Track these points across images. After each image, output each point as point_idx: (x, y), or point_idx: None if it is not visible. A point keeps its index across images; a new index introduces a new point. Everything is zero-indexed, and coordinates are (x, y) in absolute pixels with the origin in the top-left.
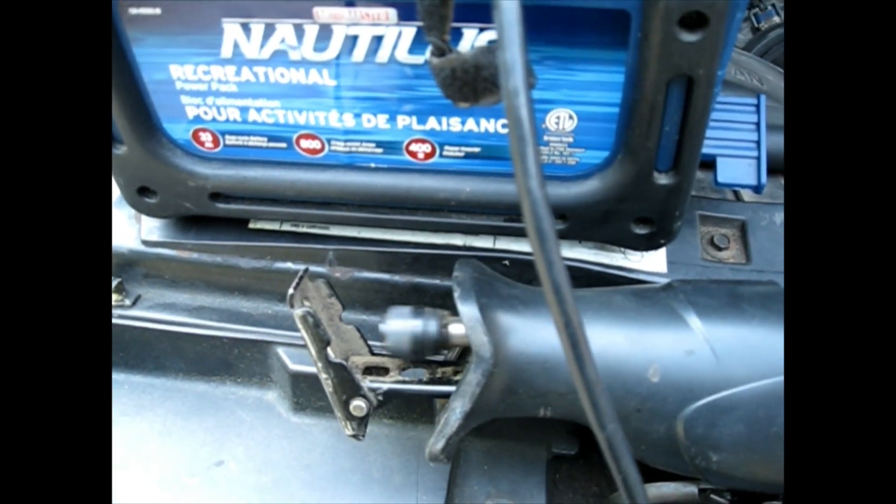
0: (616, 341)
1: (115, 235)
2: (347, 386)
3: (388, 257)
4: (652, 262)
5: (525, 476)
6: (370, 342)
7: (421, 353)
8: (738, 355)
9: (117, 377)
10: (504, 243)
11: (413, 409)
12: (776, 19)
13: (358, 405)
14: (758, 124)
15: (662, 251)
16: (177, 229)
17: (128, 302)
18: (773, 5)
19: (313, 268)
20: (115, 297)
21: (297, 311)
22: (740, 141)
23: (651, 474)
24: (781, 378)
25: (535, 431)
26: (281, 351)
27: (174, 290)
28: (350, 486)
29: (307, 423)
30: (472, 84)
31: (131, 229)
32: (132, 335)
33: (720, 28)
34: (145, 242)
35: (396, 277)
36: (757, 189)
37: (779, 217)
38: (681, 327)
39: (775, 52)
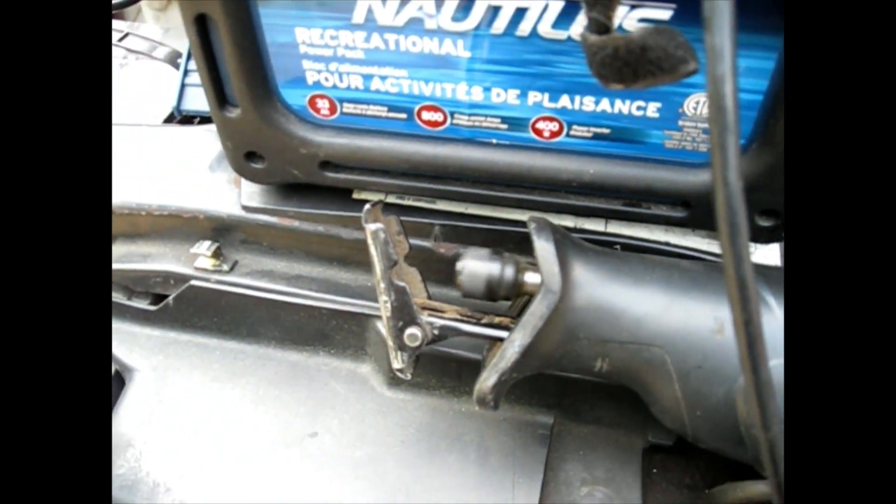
0: (683, 296)
1: (214, 199)
2: (405, 311)
3: (496, 235)
4: (765, 255)
5: (621, 465)
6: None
7: (493, 296)
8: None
9: (210, 342)
10: (615, 227)
11: (511, 392)
12: None
13: (413, 333)
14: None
15: (777, 244)
16: (278, 196)
17: (225, 267)
18: None
19: (417, 241)
20: (212, 261)
21: (371, 226)
22: None
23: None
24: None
25: (633, 420)
26: (380, 324)
27: (272, 257)
28: (446, 466)
29: (402, 398)
30: (635, 66)
31: (230, 193)
32: (228, 301)
33: None
34: (245, 208)
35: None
36: None
37: None
38: None
39: None
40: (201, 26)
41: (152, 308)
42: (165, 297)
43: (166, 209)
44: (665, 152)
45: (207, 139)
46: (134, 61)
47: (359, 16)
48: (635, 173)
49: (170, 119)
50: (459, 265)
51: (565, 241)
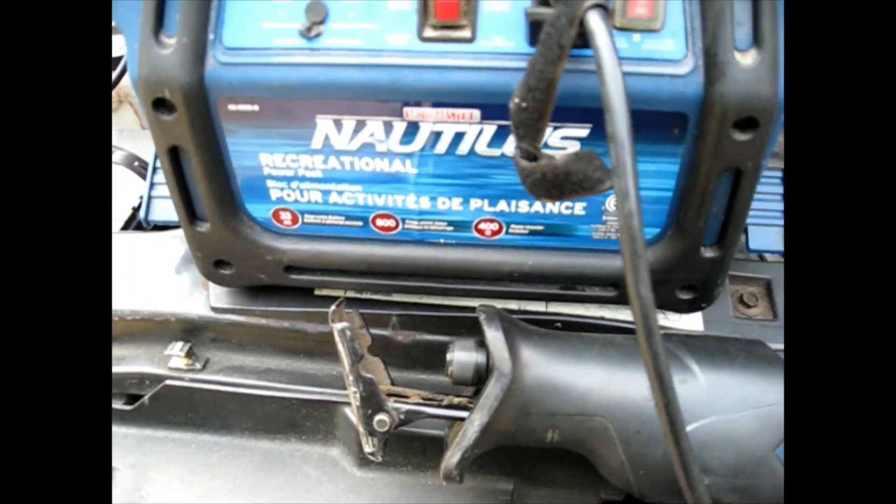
0: (619, 369)
1: (183, 302)
2: (374, 400)
3: (449, 321)
4: (689, 322)
5: None
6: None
7: (479, 381)
8: (724, 387)
9: (185, 437)
10: (555, 307)
11: (473, 463)
12: None
13: (381, 419)
14: (783, 195)
15: (699, 312)
16: (245, 296)
17: (198, 366)
18: None
19: (378, 331)
20: (185, 361)
21: (337, 325)
22: (768, 210)
23: None
24: (763, 409)
25: (585, 480)
26: (347, 410)
27: (242, 353)
28: None
29: (372, 477)
30: (560, 186)
31: (199, 295)
32: (202, 397)
33: (769, 128)
34: (214, 309)
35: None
36: (783, 254)
37: None
38: (676, 363)
39: None
40: (174, 156)
41: (128, 408)
42: (140, 396)
43: (139, 314)
44: (592, 242)
45: (169, 243)
46: None
47: (317, 142)
48: (568, 262)
49: (129, 223)
50: (449, 356)
51: (512, 328)
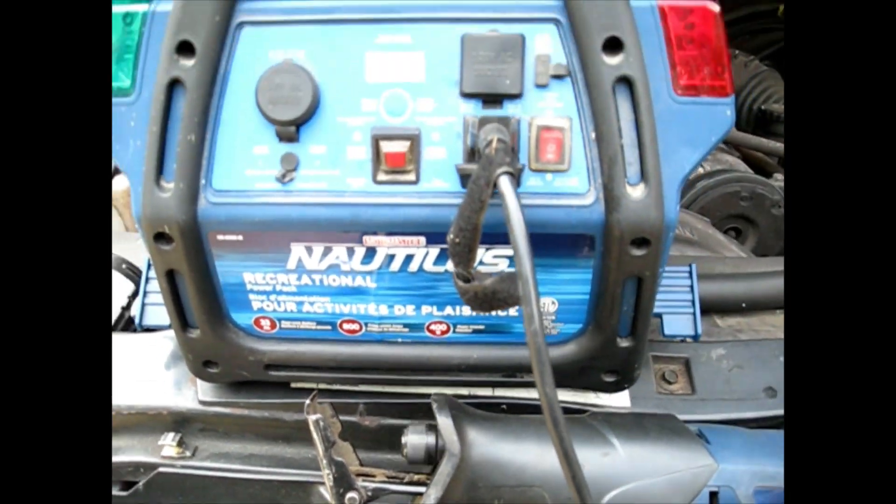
0: (552, 448)
1: (174, 396)
2: (345, 480)
3: (409, 407)
4: (618, 399)
5: None
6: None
7: (431, 461)
8: (640, 457)
9: None
10: (501, 391)
11: None
12: (700, 170)
13: (352, 497)
14: (692, 287)
15: (625, 391)
16: (229, 390)
17: (188, 453)
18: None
19: (346, 417)
20: (176, 449)
21: (311, 417)
22: (679, 301)
23: None
24: (674, 474)
25: None
26: (322, 489)
27: (228, 440)
28: None
29: None
30: (490, 302)
31: (188, 390)
32: (192, 482)
33: (659, 246)
34: (202, 402)
35: (415, 423)
36: (694, 338)
37: (715, 352)
38: (598, 438)
39: (702, 201)
40: (171, 277)
41: (124, 494)
42: (135, 483)
43: (134, 408)
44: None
45: (159, 343)
46: None
47: (291, 264)
48: (507, 354)
49: (118, 322)
50: (404, 440)
51: (460, 413)
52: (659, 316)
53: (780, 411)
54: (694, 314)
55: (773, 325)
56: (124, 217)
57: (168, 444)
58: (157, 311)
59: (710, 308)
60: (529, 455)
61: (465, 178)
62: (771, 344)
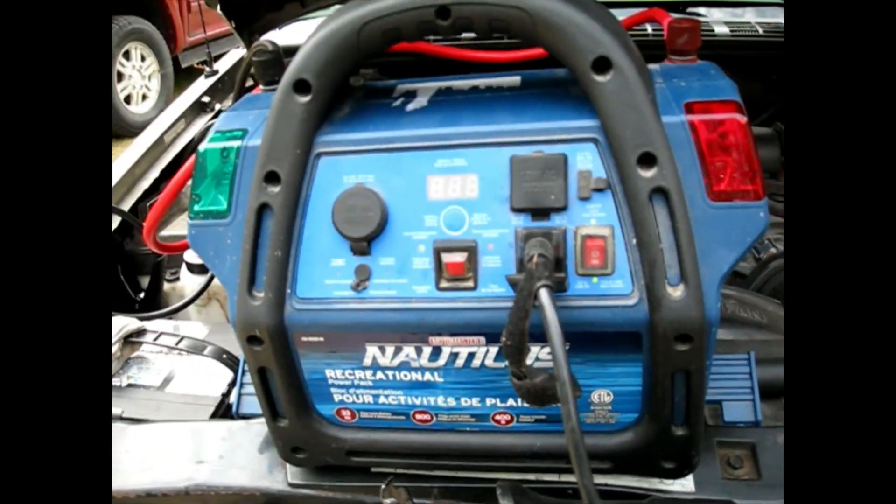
0: None
1: (266, 478)
2: None
3: (479, 490)
4: (682, 484)
5: None
6: None
7: None
8: None
9: None
10: (567, 477)
11: None
12: (773, 251)
13: None
14: (750, 374)
15: (690, 476)
16: (316, 474)
17: None
18: (769, 240)
19: (420, 500)
20: None
21: (386, 501)
22: (739, 388)
23: None
24: None
25: None
26: None
27: None
28: None
29: None
30: (540, 398)
31: (278, 473)
32: None
33: (702, 342)
34: (291, 485)
35: None
36: (755, 424)
37: (780, 438)
38: None
39: (774, 281)
40: (262, 373)
41: None
42: None
43: (230, 489)
44: (586, 426)
45: (253, 430)
46: (187, 356)
47: (367, 361)
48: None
49: (218, 409)
50: None
51: (524, 499)
52: (719, 403)
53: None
54: (754, 401)
55: None
56: (226, 309)
57: None
58: (253, 401)
59: (779, 392)
60: None
61: (514, 286)
62: None
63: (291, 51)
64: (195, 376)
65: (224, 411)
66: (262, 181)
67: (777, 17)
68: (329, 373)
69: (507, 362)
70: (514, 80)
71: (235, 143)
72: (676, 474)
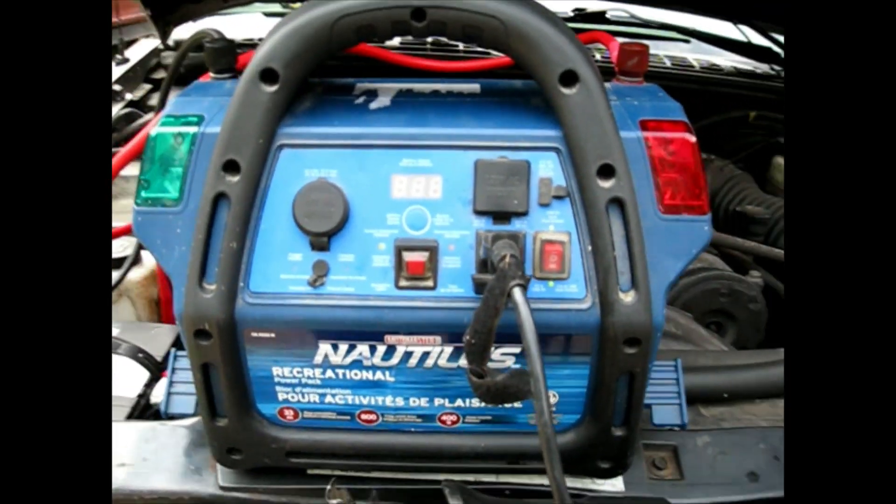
0: None
1: (194, 482)
2: None
3: (418, 492)
4: (612, 484)
5: None
6: None
7: None
8: None
9: None
10: (505, 478)
11: None
12: None
13: None
14: (677, 380)
15: (619, 477)
16: (248, 476)
17: None
18: None
19: (359, 502)
20: None
21: (332, 502)
22: (667, 392)
23: None
24: None
25: None
26: None
27: None
28: None
29: None
30: (501, 396)
31: (208, 476)
32: None
33: (649, 345)
34: (223, 487)
35: None
36: (682, 426)
37: (700, 440)
38: None
39: (684, 297)
40: (205, 370)
41: None
42: None
43: (156, 493)
44: (530, 427)
45: (175, 431)
46: None
47: (318, 359)
48: (512, 442)
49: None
50: None
51: (471, 499)
52: (648, 406)
53: (763, 494)
54: (680, 405)
55: (753, 413)
56: (137, 306)
57: None
58: (182, 400)
59: (695, 398)
60: None
61: (479, 286)
62: (752, 432)
63: (201, 45)
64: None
65: (140, 412)
66: (221, 170)
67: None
68: (276, 370)
69: (463, 362)
70: (473, 87)
71: (191, 129)
72: (611, 474)
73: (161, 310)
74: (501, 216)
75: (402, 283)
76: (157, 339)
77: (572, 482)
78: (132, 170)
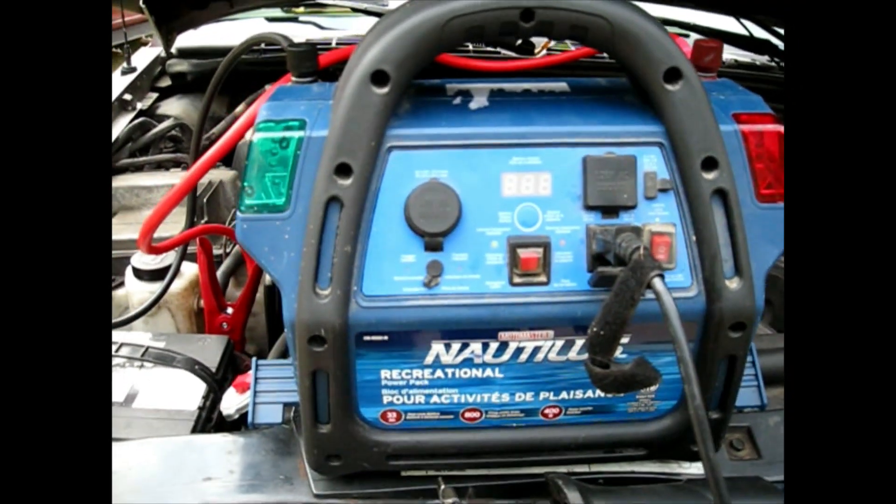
0: None
1: (287, 491)
2: None
3: (515, 487)
4: (697, 467)
5: None
6: None
7: None
8: None
9: None
10: (597, 467)
11: None
12: None
13: None
14: (754, 362)
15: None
16: (341, 483)
17: None
18: None
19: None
20: None
21: (448, 501)
22: (746, 375)
23: None
24: None
25: None
26: None
27: None
28: None
29: None
30: (628, 385)
31: (300, 485)
32: None
33: (752, 328)
34: (317, 496)
35: (522, 501)
36: (761, 407)
37: (771, 420)
38: (706, 501)
39: None
40: (313, 378)
41: None
42: None
43: None
44: (628, 415)
45: (259, 442)
46: (145, 369)
47: (429, 360)
48: (611, 432)
49: (197, 423)
50: None
51: (584, 489)
52: None
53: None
54: (759, 386)
55: None
56: (177, 318)
57: None
58: (269, 410)
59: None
60: None
61: (603, 279)
62: None
63: (206, 52)
64: (162, 390)
65: (203, 424)
66: (333, 173)
67: None
68: (384, 373)
69: (573, 354)
70: (561, 85)
71: (296, 134)
72: (696, 457)
73: (205, 321)
74: (611, 210)
75: (517, 279)
76: (208, 349)
77: (659, 467)
78: (153, 180)
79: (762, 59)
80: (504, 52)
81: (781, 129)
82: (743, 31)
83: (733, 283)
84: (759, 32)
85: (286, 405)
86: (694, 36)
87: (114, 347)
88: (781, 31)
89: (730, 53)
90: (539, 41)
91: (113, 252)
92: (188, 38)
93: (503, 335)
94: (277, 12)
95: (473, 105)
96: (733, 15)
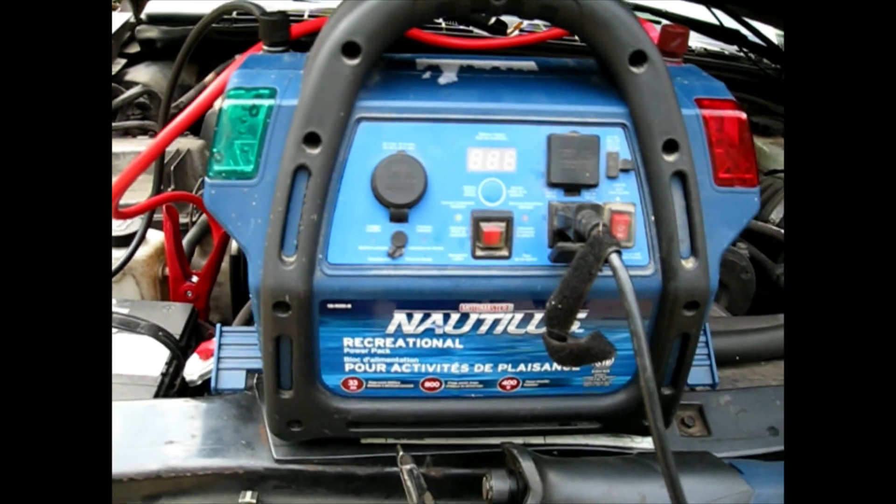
0: (616, 482)
1: (247, 456)
2: None
3: (472, 456)
4: (649, 441)
5: None
6: None
7: (514, 502)
8: (689, 487)
9: None
10: (552, 439)
11: None
12: None
13: None
14: (707, 342)
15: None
16: (303, 448)
17: None
18: None
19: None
20: None
21: (406, 467)
22: (699, 354)
23: None
24: (718, 500)
25: None
26: None
27: (301, 496)
28: None
29: None
30: (583, 358)
31: (261, 450)
32: None
33: (705, 308)
34: (278, 460)
35: (478, 471)
36: (712, 386)
37: (722, 399)
38: (654, 473)
39: None
40: (277, 344)
41: None
42: None
43: (209, 469)
44: (584, 389)
45: (219, 408)
46: (114, 333)
47: (391, 329)
48: (567, 405)
49: (160, 388)
50: (488, 484)
51: (538, 459)
52: None
53: (783, 447)
54: (711, 366)
55: (762, 374)
56: (141, 285)
57: (247, 501)
58: (232, 376)
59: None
60: (597, 491)
61: (563, 254)
62: (767, 390)
63: (176, 19)
64: (126, 355)
65: (166, 390)
66: (301, 142)
67: None
68: (347, 341)
69: (531, 328)
70: (529, 64)
71: (266, 102)
72: (647, 432)
73: (170, 288)
74: (573, 188)
75: (479, 252)
76: (172, 317)
77: (612, 441)
78: (120, 146)
79: (731, 49)
80: (477, 31)
81: (743, 115)
82: (714, 21)
83: (689, 263)
84: (729, 22)
85: (249, 372)
86: (665, 22)
87: None
88: (751, 23)
89: (700, 42)
90: (512, 21)
91: None
92: (159, 5)
93: (464, 307)
94: None
95: (442, 80)
96: (703, 3)
